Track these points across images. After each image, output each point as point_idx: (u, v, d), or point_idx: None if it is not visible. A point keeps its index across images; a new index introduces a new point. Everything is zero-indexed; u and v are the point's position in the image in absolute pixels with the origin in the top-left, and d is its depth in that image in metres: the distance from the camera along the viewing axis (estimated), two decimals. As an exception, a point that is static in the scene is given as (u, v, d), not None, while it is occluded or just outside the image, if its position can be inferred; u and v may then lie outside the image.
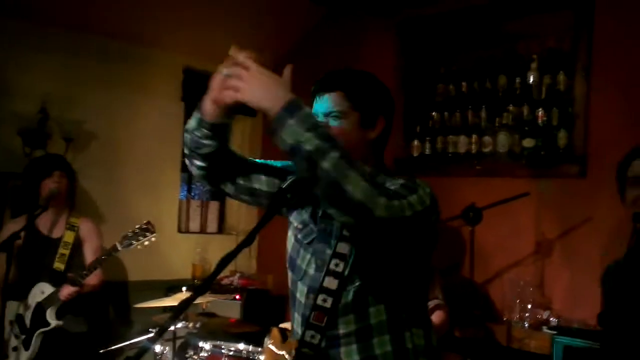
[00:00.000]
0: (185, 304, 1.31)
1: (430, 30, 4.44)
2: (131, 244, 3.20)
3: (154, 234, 3.22)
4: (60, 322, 3.29)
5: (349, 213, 1.38)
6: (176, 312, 1.30)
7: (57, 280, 3.31)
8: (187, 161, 1.74)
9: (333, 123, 1.64)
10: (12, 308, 3.34)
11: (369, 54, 4.54)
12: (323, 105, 1.67)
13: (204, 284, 1.39)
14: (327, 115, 1.65)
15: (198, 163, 1.69)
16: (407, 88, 4.45)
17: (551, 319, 3.59)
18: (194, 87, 4.87)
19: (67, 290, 3.23)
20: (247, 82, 1.44)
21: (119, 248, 3.21)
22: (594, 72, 3.64)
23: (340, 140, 1.46)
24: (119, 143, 4.54)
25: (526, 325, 3.62)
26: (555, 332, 3.31)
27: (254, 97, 1.43)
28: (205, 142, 1.62)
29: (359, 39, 4.72)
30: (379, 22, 4.64)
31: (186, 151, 1.70)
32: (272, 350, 1.75)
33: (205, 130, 1.60)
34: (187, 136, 1.66)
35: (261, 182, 1.76)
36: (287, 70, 1.49)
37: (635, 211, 1.82)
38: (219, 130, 1.62)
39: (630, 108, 3.48)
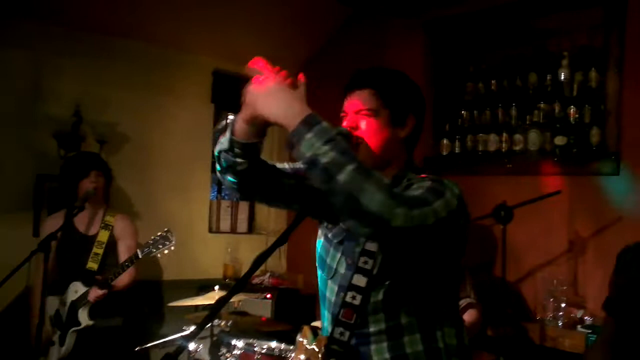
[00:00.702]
0: (222, 302, 1.34)
1: (458, 29, 4.41)
2: (151, 252, 3.23)
3: (173, 243, 3.24)
4: (91, 322, 3.34)
5: (366, 225, 1.37)
6: (214, 310, 1.32)
7: (90, 280, 3.38)
8: (219, 175, 1.74)
9: (363, 121, 1.65)
10: (52, 303, 3.42)
11: (396, 54, 4.54)
12: (354, 102, 1.68)
13: (240, 282, 1.40)
14: (357, 112, 1.66)
15: (231, 179, 1.71)
16: (436, 87, 4.44)
17: (585, 317, 3.55)
18: (223, 89, 4.92)
19: (94, 293, 3.30)
20: (263, 97, 1.47)
21: (140, 256, 3.25)
22: (627, 68, 3.59)
23: (373, 147, 1.48)
24: (150, 145, 4.60)
25: (560, 324, 3.59)
26: (589, 331, 3.28)
27: (271, 113, 1.46)
28: (238, 160, 1.63)
29: (385, 39, 4.72)
30: (405, 22, 4.63)
31: (219, 168, 1.72)
32: (303, 344, 1.76)
33: (238, 150, 1.61)
34: (220, 156, 1.67)
35: (290, 186, 1.76)
36: (300, 83, 1.50)
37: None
38: (250, 150, 1.63)
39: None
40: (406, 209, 1.37)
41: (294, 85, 1.48)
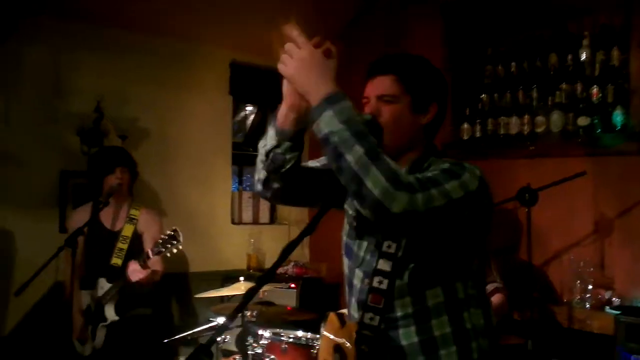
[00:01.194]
0: (252, 293, 1.34)
1: (476, 12, 4.36)
2: (160, 252, 3.23)
3: (180, 242, 3.22)
4: (117, 318, 3.37)
5: (367, 207, 1.40)
6: (244, 301, 1.33)
7: (114, 276, 3.39)
8: (259, 188, 1.75)
9: (385, 106, 1.64)
10: (84, 298, 3.48)
11: (415, 39, 4.51)
12: (375, 87, 1.67)
13: (269, 272, 1.41)
14: (379, 98, 1.65)
15: (276, 185, 1.71)
16: (454, 71, 4.39)
17: (613, 299, 3.52)
18: (241, 80, 4.93)
19: (134, 266, 3.27)
20: (296, 62, 1.48)
21: (151, 256, 3.25)
22: (650, 46, 3.53)
23: (394, 133, 1.53)
24: (170, 138, 4.63)
25: (588, 306, 3.56)
26: (618, 312, 3.25)
27: (299, 80, 1.48)
28: (288, 156, 1.65)
29: (404, 24, 4.69)
30: (423, 7, 4.60)
31: (262, 176, 1.72)
32: (328, 337, 1.77)
33: (287, 142, 1.64)
34: (266, 158, 1.66)
35: (319, 183, 1.76)
36: (334, 52, 1.51)
37: None
38: (298, 139, 1.65)
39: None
40: (408, 193, 1.38)
41: (327, 55, 1.50)
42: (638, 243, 3.55)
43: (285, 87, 1.58)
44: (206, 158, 4.84)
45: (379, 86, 1.66)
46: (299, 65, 1.47)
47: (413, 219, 1.41)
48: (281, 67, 1.50)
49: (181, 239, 3.23)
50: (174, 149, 4.65)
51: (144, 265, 3.26)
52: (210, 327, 3.33)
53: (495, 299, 3.18)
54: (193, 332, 3.34)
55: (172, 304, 4.58)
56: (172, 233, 3.23)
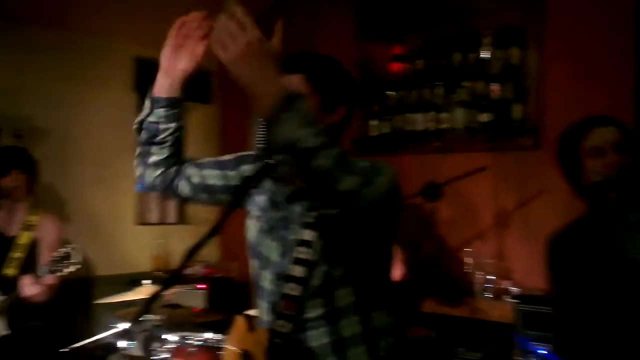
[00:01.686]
0: (154, 298, 1.29)
1: (386, 9, 4.42)
2: (54, 271, 3.02)
3: (76, 262, 3.02)
4: (8, 332, 3.16)
5: (337, 205, 1.38)
6: (145, 306, 1.27)
7: (7, 287, 3.16)
8: (138, 163, 1.75)
9: None
10: None
11: (327, 36, 4.52)
12: None
13: (173, 276, 1.36)
14: None
15: (153, 159, 1.70)
16: (363, 68, 4.44)
17: (512, 288, 3.67)
18: (146, 76, 4.74)
19: (27, 280, 3.07)
20: (242, 47, 1.26)
21: (39, 274, 3.06)
22: (546, 45, 3.69)
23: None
24: (71, 137, 4.43)
25: (489, 296, 3.69)
26: (517, 301, 3.38)
27: (244, 69, 1.27)
28: (161, 126, 1.63)
29: (315, 21, 4.69)
30: (335, 4, 4.62)
31: (139, 149, 1.71)
32: (235, 342, 1.73)
33: (161, 110, 1.61)
34: (141, 127, 1.68)
35: (215, 177, 1.77)
36: (278, 26, 1.44)
37: (595, 180, 1.85)
38: (174, 107, 1.62)
39: (582, 79, 3.54)
40: (372, 185, 1.40)
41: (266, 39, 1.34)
42: (535, 235, 3.71)
43: (164, 52, 1.55)
44: (110, 157, 4.66)
45: (288, 85, 1.64)
46: (246, 52, 1.26)
47: (375, 208, 1.42)
48: (219, 51, 1.28)
49: (77, 258, 3.03)
50: (74, 148, 4.45)
51: (39, 281, 3.08)
52: (111, 333, 3.19)
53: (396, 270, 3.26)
54: (93, 340, 3.19)
55: (73, 311, 4.37)
56: (68, 252, 3.03)
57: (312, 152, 1.29)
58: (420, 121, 4.19)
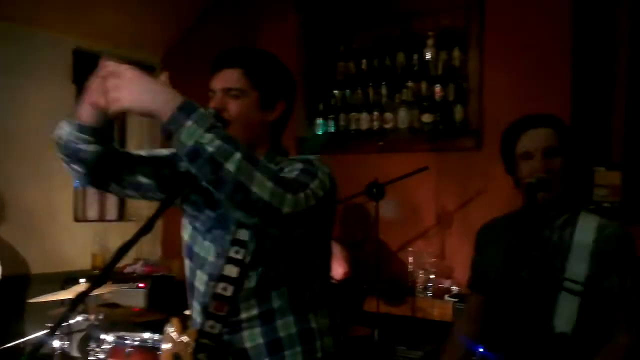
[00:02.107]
0: (82, 296, 1.24)
1: (330, 8, 4.42)
2: None
3: None
4: None
5: (256, 214, 1.33)
6: (72, 305, 1.23)
7: None
8: (64, 165, 1.61)
9: (231, 101, 1.58)
10: None
11: (269, 33, 4.49)
12: (222, 80, 1.61)
13: (102, 274, 1.31)
14: (225, 92, 1.59)
15: (78, 169, 1.58)
16: (308, 67, 4.43)
17: (452, 287, 3.73)
18: (85, 68, 4.64)
19: None
20: (126, 89, 1.32)
21: None
22: (487, 48, 3.77)
23: (240, 129, 1.46)
24: (5, 131, 4.26)
25: (429, 294, 3.74)
26: (456, 300, 3.44)
27: (139, 103, 1.32)
28: (85, 147, 1.51)
29: (258, 17, 4.65)
30: (277, 2, 4.59)
31: (60, 156, 1.58)
32: (172, 336, 1.69)
33: (85, 136, 1.49)
34: (60, 144, 1.54)
35: (147, 175, 1.69)
36: (164, 77, 1.40)
37: (529, 181, 1.89)
38: (101, 133, 1.51)
39: (521, 80, 3.63)
40: (293, 194, 1.35)
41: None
42: (475, 235, 3.77)
43: (90, 84, 1.43)
44: (46, 151, 4.39)
45: (226, 79, 1.60)
46: (133, 85, 1.32)
47: (297, 219, 1.38)
48: (115, 101, 1.33)
49: None
50: (8, 143, 4.28)
51: None
52: (40, 334, 3.09)
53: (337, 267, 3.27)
54: (22, 341, 3.08)
55: (5, 310, 4.22)
56: None
57: (223, 157, 1.28)
58: (364, 120, 4.21)
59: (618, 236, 1.92)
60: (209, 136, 1.29)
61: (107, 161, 1.59)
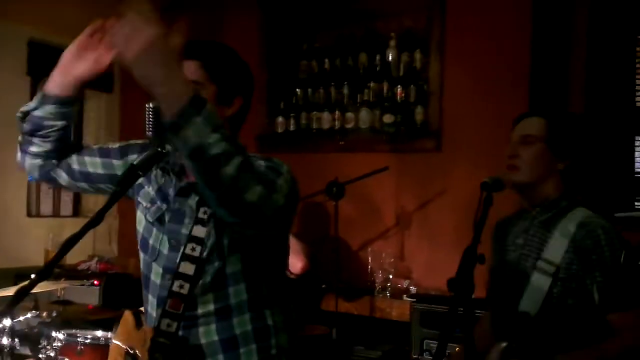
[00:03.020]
0: (23, 292, 1.20)
1: (293, 6, 4.41)
2: None
3: None
4: None
5: (241, 216, 1.32)
6: (12, 302, 1.18)
7: None
8: (19, 149, 1.66)
9: None
10: None
11: (232, 29, 4.46)
12: None
13: (45, 269, 1.27)
14: None
15: (33, 149, 1.61)
16: (270, 64, 4.41)
17: (411, 287, 3.75)
18: (40, 60, 4.53)
19: None
20: (144, 45, 1.16)
21: None
22: (447, 51, 3.80)
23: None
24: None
25: (388, 294, 3.75)
26: (414, 300, 3.46)
27: (146, 68, 1.17)
28: (48, 122, 1.53)
29: (221, 13, 4.61)
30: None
31: (21, 137, 1.62)
32: (120, 339, 1.66)
33: (50, 107, 1.51)
34: (24, 117, 1.58)
35: (96, 166, 1.69)
36: (181, 26, 1.28)
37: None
38: (65, 106, 1.53)
39: (481, 84, 3.67)
40: (274, 194, 1.36)
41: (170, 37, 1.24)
42: (434, 236, 3.81)
43: (69, 49, 1.46)
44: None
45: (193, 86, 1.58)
46: (148, 49, 1.15)
47: (278, 219, 1.40)
48: (119, 49, 1.18)
49: None
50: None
51: None
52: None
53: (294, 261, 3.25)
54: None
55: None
56: None
57: (218, 159, 1.23)
58: (325, 120, 4.21)
59: (598, 232, 1.89)
60: (215, 136, 1.22)
61: (62, 148, 1.61)
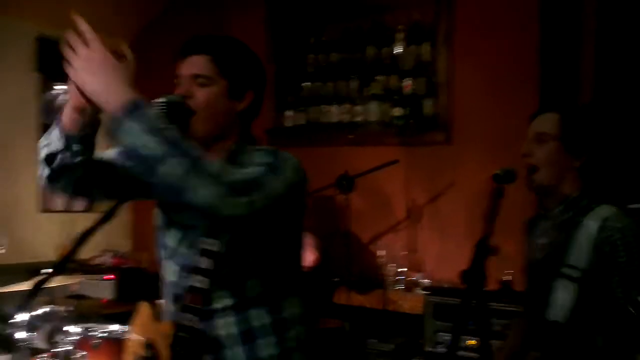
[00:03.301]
0: (39, 285, 1.22)
1: (299, 0, 4.40)
2: None
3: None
4: None
5: (194, 212, 1.36)
6: (29, 295, 1.21)
7: None
8: (46, 183, 1.58)
9: (199, 89, 1.55)
10: None
11: (238, 23, 4.45)
12: (189, 67, 1.57)
13: (59, 264, 1.30)
14: (192, 78, 1.56)
15: (65, 185, 1.56)
16: (278, 58, 4.41)
17: (423, 280, 3.75)
18: (49, 56, 4.55)
19: None
20: (84, 62, 1.33)
21: None
22: (456, 43, 3.80)
23: (207, 118, 1.49)
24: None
25: (401, 287, 3.76)
26: (427, 293, 3.46)
27: (89, 83, 1.33)
28: (77, 160, 1.49)
29: (228, 6, 4.61)
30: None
31: (47, 173, 1.54)
32: (139, 330, 1.67)
33: (76, 146, 1.47)
34: (51, 159, 1.51)
35: (122, 176, 1.63)
36: (128, 54, 1.38)
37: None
38: (88, 143, 1.50)
39: (490, 76, 3.67)
40: (235, 198, 1.36)
41: (119, 58, 1.36)
42: (445, 228, 3.82)
43: (70, 86, 1.41)
44: (9, 141, 4.40)
45: (193, 66, 1.57)
46: (88, 66, 1.32)
47: (241, 221, 1.39)
48: (69, 70, 1.35)
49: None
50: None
51: None
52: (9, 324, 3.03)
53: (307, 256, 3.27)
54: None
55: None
56: None
57: (155, 160, 1.28)
58: (334, 113, 4.21)
59: (615, 237, 1.84)
60: (145, 138, 1.28)
61: (92, 171, 1.57)
